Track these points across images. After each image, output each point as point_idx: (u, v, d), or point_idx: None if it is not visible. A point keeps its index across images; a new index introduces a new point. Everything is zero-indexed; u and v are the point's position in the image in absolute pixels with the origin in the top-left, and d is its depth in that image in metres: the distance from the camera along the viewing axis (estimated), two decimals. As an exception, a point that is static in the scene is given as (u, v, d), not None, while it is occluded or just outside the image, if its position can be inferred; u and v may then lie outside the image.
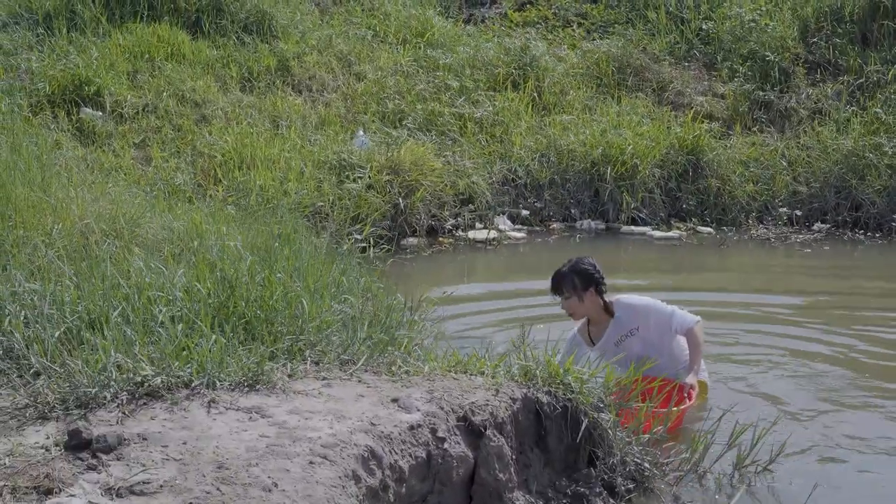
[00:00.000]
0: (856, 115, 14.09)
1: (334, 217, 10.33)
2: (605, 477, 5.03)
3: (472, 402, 4.58)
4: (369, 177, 11.20)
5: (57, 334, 4.73)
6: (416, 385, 4.70)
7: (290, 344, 4.99)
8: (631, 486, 5.09)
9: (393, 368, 4.96)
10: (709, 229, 12.85)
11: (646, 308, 6.15)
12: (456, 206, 12.07)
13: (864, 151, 13.22)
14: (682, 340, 6.18)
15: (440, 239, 11.62)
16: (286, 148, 11.05)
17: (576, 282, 5.98)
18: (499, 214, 12.55)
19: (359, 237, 10.16)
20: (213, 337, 4.74)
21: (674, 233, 12.67)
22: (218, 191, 9.85)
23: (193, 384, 4.37)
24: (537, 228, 12.57)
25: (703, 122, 14.17)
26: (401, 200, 11.31)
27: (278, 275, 5.66)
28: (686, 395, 5.88)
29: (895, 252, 12.16)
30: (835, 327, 8.55)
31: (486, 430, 4.52)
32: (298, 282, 5.73)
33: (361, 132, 12.45)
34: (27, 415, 4.14)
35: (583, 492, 4.90)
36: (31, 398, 4.25)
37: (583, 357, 5.89)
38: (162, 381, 4.32)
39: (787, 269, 11.48)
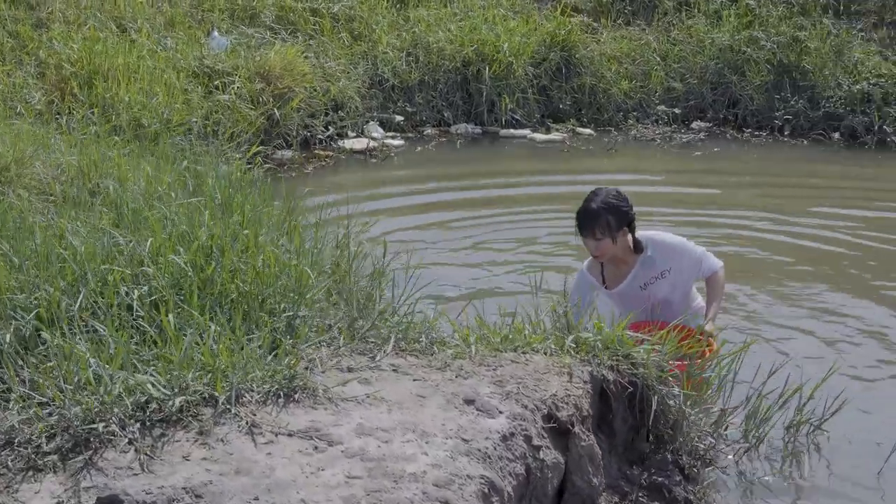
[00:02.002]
0: (724, 6, 13.67)
1: (209, 134, 9.05)
2: (675, 459, 4.36)
3: (554, 395, 3.74)
4: (239, 86, 9.95)
5: (8, 337, 3.60)
6: (475, 375, 3.81)
7: (287, 324, 4.01)
8: (699, 466, 4.43)
9: (417, 346, 4.09)
10: (589, 130, 12.25)
11: (681, 247, 5.31)
12: (327, 115, 10.98)
13: (740, 46, 12.83)
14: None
15: (317, 152, 10.54)
16: (143, 55, 9.61)
17: (610, 221, 5.04)
18: (368, 121, 11.54)
19: (239, 157, 8.92)
20: (213, 328, 3.71)
21: (555, 135, 12.01)
22: (76, 108, 8.40)
23: (219, 401, 3.36)
24: (411, 135, 11.65)
25: (570, 15, 13.47)
26: (276, 111, 10.13)
27: (245, 232, 4.63)
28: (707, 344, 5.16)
29: (779, 149, 11.90)
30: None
31: (573, 428, 3.72)
32: (270, 241, 4.70)
33: (216, 32, 11.11)
34: (10, 464, 3.04)
35: (660, 481, 4.19)
36: (4, 435, 3.15)
37: (605, 307, 5.13)
38: (181, 403, 3.28)
39: (692, 170, 10.96)
